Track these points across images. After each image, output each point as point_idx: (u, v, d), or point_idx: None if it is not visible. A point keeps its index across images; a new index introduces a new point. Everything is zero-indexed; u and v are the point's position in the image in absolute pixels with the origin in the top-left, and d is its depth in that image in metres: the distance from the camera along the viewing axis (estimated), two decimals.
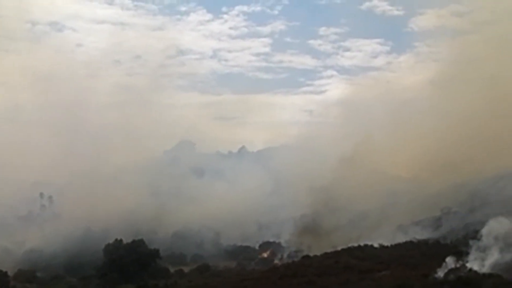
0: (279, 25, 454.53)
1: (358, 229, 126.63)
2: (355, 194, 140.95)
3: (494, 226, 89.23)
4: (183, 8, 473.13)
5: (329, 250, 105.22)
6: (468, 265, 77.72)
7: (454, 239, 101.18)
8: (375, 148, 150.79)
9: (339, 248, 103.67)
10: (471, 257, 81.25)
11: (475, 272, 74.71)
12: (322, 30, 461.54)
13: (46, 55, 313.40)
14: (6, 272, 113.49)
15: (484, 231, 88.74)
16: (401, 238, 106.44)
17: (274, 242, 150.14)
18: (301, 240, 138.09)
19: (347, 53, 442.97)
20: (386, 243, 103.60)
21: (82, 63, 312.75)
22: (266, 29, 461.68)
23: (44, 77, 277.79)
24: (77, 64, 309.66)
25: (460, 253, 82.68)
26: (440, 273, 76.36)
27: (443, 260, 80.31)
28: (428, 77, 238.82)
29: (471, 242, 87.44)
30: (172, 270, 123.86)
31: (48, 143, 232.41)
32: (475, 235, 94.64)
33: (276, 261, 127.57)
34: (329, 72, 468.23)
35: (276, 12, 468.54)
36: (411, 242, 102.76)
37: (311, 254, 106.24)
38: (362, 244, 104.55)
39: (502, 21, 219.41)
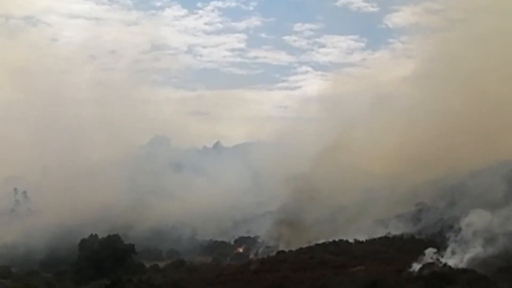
0: (254, 21, 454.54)
1: (335, 224, 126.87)
2: (332, 189, 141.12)
3: (473, 219, 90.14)
4: (158, 3, 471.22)
5: (306, 244, 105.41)
6: (444, 260, 78.31)
7: (430, 234, 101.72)
8: (352, 144, 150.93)
9: (313, 244, 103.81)
10: (447, 251, 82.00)
11: (450, 267, 75.29)
12: (297, 26, 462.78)
13: (21, 50, 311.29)
14: None
15: (462, 224, 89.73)
16: (377, 233, 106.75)
17: (249, 238, 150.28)
18: (278, 235, 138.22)
19: (322, 49, 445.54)
20: (362, 238, 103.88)
21: (57, 58, 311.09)
22: (241, 24, 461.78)
23: (19, 72, 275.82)
24: (52, 59, 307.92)
25: (436, 248, 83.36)
26: (415, 268, 76.86)
27: (418, 255, 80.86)
28: (403, 74, 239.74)
29: (448, 235, 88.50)
30: (147, 265, 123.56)
31: (23, 138, 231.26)
32: (451, 229, 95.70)
33: (251, 256, 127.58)
34: (304, 68, 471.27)
35: (251, 8, 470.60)
36: (386, 237, 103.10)
37: (287, 249, 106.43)
38: (337, 239, 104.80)
39: (476, 19, 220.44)
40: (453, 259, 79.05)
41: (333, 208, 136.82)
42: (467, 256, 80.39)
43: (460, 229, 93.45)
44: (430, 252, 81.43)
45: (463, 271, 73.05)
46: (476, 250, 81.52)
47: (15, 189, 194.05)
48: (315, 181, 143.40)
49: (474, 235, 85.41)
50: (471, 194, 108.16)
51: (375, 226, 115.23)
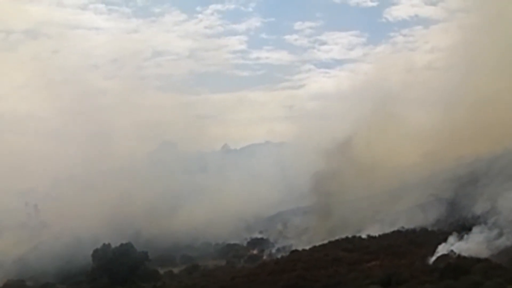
0: (254, 22, 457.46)
1: (346, 220, 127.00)
2: (342, 187, 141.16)
3: (487, 209, 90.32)
4: (157, 10, 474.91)
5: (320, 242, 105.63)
6: (458, 250, 78.21)
7: (443, 226, 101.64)
8: (359, 140, 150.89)
9: (326, 241, 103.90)
10: (461, 242, 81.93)
11: (464, 257, 75.06)
12: (298, 25, 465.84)
13: (23, 63, 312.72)
14: None
15: (476, 214, 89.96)
16: (388, 228, 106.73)
17: (262, 239, 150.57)
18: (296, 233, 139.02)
19: (324, 47, 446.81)
20: (374, 234, 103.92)
21: (59, 69, 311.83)
22: (241, 26, 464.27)
23: (21, 85, 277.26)
24: (55, 70, 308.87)
25: (450, 240, 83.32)
26: (429, 261, 76.80)
27: (432, 248, 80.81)
28: (406, 67, 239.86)
29: (462, 226, 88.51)
30: (161, 271, 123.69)
31: (31, 150, 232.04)
32: (465, 220, 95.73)
33: (265, 257, 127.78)
34: (307, 66, 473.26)
35: (250, 9, 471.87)
36: (398, 231, 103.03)
37: (300, 248, 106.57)
38: (350, 235, 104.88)
39: (475, 8, 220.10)
40: (468, 250, 78.87)
41: (345, 204, 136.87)
42: (482, 245, 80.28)
43: (474, 219, 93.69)
44: (446, 243, 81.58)
45: (478, 260, 72.81)
46: (491, 239, 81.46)
47: (26, 203, 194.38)
48: (325, 179, 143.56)
49: (488, 225, 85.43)
50: (484, 184, 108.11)
51: (385, 220, 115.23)
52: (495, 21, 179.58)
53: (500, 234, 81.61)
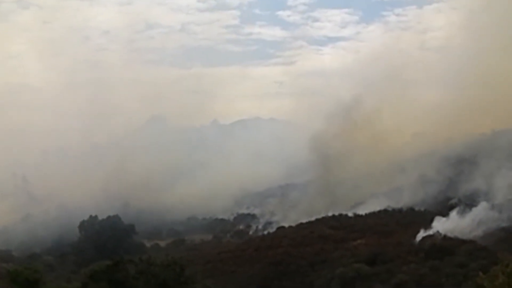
0: None
1: (335, 198, 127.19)
2: (331, 165, 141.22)
3: (473, 191, 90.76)
4: None
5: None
6: (444, 231, 78.49)
7: (429, 206, 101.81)
8: (348, 119, 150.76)
9: (313, 218, 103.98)
10: (447, 222, 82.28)
11: (450, 238, 75.42)
12: (291, 1, 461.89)
13: (13, 33, 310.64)
14: None
15: (463, 195, 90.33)
16: (375, 207, 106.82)
17: (249, 214, 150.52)
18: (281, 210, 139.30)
19: (316, 24, 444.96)
20: (360, 212, 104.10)
21: (50, 40, 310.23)
22: (235, 1, 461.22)
23: (12, 56, 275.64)
24: (46, 41, 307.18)
25: (436, 220, 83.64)
26: (415, 241, 77.06)
27: (418, 228, 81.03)
28: (398, 46, 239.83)
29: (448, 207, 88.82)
30: (148, 245, 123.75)
31: (19, 122, 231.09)
32: (451, 201, 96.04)
33: (251, 233, 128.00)
34: (299, 42, 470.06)
35: None
36: (385, 210, 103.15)
37: (286, 225, 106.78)
38: (336, 213, 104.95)
39: None
40: (453, 231, 79.19)
41: (332, 182, 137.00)
42: (468, 227, 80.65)
43: (460, 200, 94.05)
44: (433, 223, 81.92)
45: (463, 242, 73.22)
46: (476, 221, 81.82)
47: (14, 174, 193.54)
48: (313, 156, 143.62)
49: (475, 207, 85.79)
50: (471, 166, 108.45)
51: (372, 199, 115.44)
52: (488, 2, 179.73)
53: (486, 216, 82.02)
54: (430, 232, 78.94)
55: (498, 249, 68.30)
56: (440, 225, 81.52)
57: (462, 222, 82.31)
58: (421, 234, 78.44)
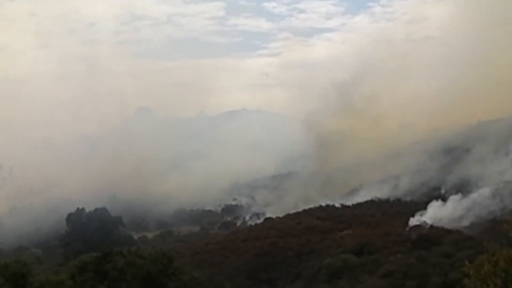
0: None
1: (318, 189, 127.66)
2: (317, 156, 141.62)
3: (458, 182, 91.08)
4: None
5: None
6: (430, 221, 78.89)
7: (416, 196, 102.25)
8: (333, 110, 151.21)
9: (300, 209, 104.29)
10: (433, 212, 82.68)
11: (436, 228, 75.85)
12: None
13: None
14: None
15: (448, 186, 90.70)
16: (361, 198, 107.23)
17: (236, 206, 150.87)
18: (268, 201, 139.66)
19: (302, 15, 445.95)
20: (347, 203, 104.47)
21: (36, 32, 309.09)
22: None
23: None
24: (31, 33, 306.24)
25: (422, 210, 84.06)
26: (401, 231, 77.43)
27: (404, 218, 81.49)
28: (383, 38, 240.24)
29: (434, 197, 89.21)
30: (135, 236, 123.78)
31: (5, 115, 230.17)
32: (437, 192, 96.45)
33: (238, 224, 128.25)
34: (284, 34, 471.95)
35: None
36: (372, 201, 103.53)
37: (274, 216, 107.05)
38: (323, 204, 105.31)
39: None
40: (440, 221, 79.63)
41: (320, 173, 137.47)
42: (453, 217, 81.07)
43: (446, 191, 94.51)
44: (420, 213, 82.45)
45: (449, 232, 73.66)
46: (463, 211, 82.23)
47: (1, 166, 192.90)
48: (299, 148, 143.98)
49: (461, 197, 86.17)
50: (457, 156, 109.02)
51: (359, 190, 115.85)
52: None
53: (472, 206, 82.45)
54: (422, 219, 79.61)
55: (484, 239, 68.68)
56: (427, 215, 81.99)
57: (449, 212, 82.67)
58: (414, 220, 79.31)
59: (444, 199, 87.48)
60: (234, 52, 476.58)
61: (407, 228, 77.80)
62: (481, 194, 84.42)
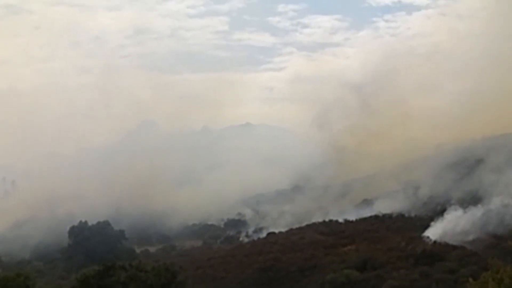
0: (237, 3, 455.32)
1: (323, 203, 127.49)
2: (320, 171, 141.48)
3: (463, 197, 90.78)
4: None
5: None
6: (434, 237, 78.64)
7: (420, 212, 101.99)
8: (336, 125, 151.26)
9: (303, 224, 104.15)
10: (437, 228, 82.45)
11: (440, 244, 75.56)
12: (281, 7, 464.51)
13: (4, 38, 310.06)
14: None
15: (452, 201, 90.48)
16: (365, 212, 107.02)
17: (239, 220, 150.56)
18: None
19: (306, 30, 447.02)
20: (351, 218, 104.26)
21: (40, 45, 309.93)
22: (224, 7, 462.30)
23: (2, 61, 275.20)
24: (36, 47, 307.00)
25: (426, 226, 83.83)
26: (405, 246, 77.12)
27: (408, 233, 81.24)
28: (387, 52, 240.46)
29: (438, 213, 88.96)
30: (138, 250, 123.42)
31: (9, 126, 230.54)
32: (441, 207, 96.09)
33: (241, 239, 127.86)
34: (289, 49, 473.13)
35: None
36: (375, 216, 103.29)
37: (277, 231, 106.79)
38: (327, 219, 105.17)
39: None
40: (444, 236, 79.35)
41: (321, 188, 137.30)
42: (458, 233, 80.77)
43: (450, 206, 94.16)
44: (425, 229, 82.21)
45: (453, 248, 73.37)
46: (467, 227, 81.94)
47: (4, 179, 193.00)
48: (302, 162, 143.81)
49: (465, 213, 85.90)
50: (461, 172, 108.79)
51: (362, 205, 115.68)
52: (476, 9, 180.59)
53: (477, 222, 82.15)
54: (426, 234, 79.51)
55: (488, 255, 68.37)
56: (431, 230, 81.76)
57: (453, 227, 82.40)
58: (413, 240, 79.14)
59: (448, 214, 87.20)
60: (238, 66, 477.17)
61: (411, 244, 77.50)
62: (487, 209, 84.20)
